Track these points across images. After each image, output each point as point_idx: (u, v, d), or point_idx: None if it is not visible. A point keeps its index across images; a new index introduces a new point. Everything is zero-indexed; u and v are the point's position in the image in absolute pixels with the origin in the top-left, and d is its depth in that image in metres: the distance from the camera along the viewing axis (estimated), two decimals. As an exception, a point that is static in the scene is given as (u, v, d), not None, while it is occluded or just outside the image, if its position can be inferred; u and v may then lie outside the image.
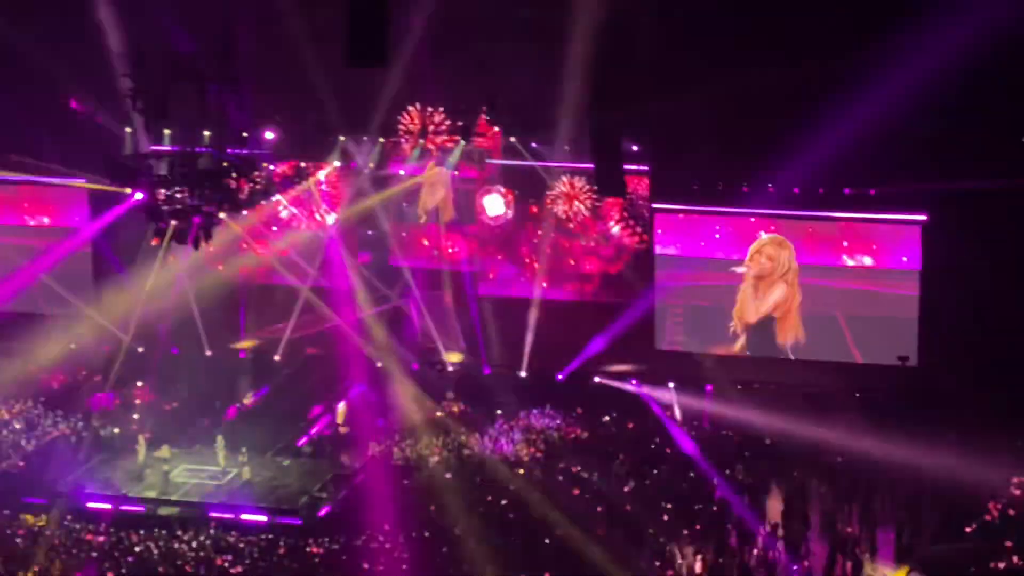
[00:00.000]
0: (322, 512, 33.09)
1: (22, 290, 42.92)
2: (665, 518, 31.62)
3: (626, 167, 39.40)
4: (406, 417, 38.17)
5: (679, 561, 30.25)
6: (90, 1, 37.81)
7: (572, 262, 41.56)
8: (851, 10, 33.08)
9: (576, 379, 39.88)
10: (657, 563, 29.99)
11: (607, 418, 38.10)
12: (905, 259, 37.67)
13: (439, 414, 38.77)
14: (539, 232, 41.55)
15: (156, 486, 34.66)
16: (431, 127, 40.69)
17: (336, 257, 42.52)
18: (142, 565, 29.65)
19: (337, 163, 41.92)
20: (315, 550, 30.55)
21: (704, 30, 34.43)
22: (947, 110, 33.75)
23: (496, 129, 40.63)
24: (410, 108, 40.55)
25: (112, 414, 38.76)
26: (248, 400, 40.62)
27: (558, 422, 38.05)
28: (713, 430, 37.13)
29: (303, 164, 42.03)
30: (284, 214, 42.34)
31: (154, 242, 32.37)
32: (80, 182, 42.07)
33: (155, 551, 30.27)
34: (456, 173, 41.62)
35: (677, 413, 38.23)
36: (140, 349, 41.86)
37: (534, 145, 40.72)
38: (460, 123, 40.56)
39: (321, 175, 42.13)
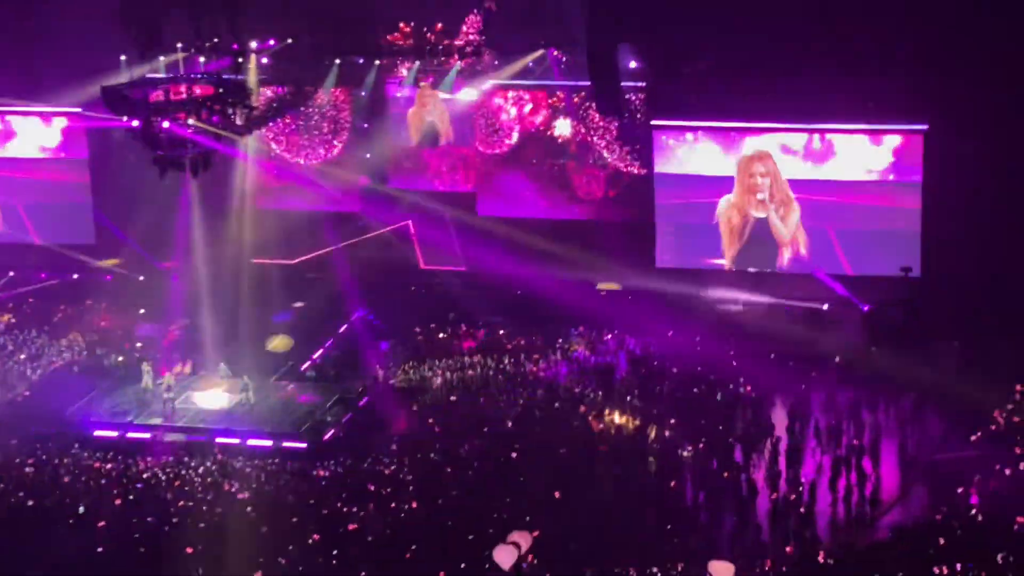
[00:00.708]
0: (327, 436, 33.20)
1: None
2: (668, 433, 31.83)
3: (624, 85, 39.37)
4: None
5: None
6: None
7: (571, 183, 41.54)
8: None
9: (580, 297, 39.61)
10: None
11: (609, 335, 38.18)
12: (905, 171, 37.59)
13: (441, 336, 38.86)
14: (536, 155, 41.57)
15: (159, 414, 34.75)
16: (427, 47, 40.46)
17: (335, 183, 42.54)
18: (150, 492, 29.81)
19: (333, 87, 41.76)
20: (320, 473, 30.70)
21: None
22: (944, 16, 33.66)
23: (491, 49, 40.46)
24: (403, 27, 40.29)
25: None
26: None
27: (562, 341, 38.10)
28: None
29: (300, 88, 41.87)
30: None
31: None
32: (77, 110, 42.06)
33: (163, 478, 30.42)
34: (453, 95, 41.44)
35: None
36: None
37: (531, 65, 40.53)
38: (457, 42, 40.34)
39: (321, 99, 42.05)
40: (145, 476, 30.65)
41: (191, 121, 30.69)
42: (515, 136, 41.69)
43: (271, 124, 41.68)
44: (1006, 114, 34.90)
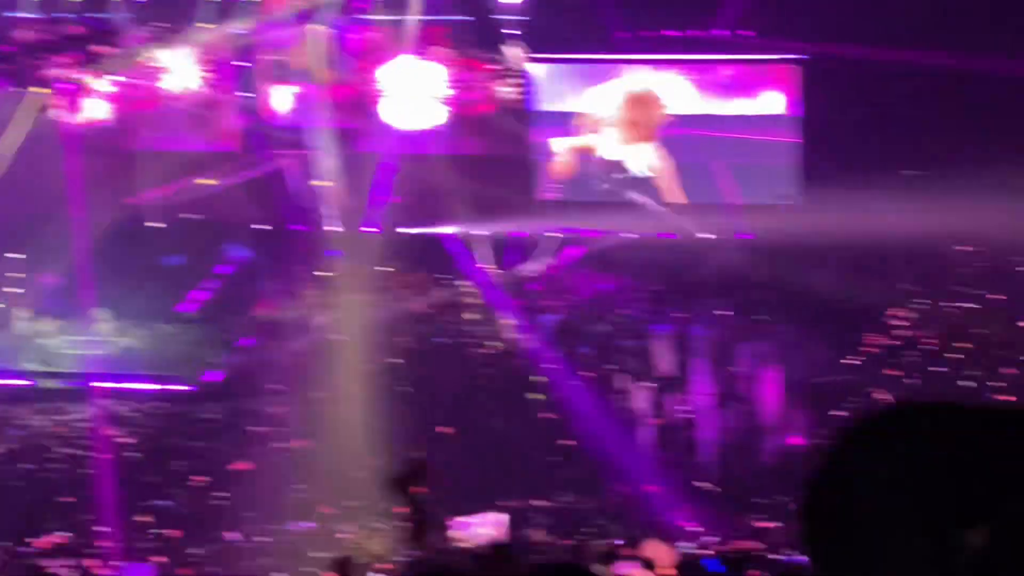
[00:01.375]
0: (212, 377, 32.90)
1: None
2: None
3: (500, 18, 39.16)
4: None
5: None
6: None
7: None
8: None
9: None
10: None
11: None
12: (785, 104, 37.82)
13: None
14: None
15: (36, 360, 34.07)
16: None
17: (215, 121, 41.81)
18: (30, 440, 29.37)
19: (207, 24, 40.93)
20: (207, 416, 30.47)
21: None
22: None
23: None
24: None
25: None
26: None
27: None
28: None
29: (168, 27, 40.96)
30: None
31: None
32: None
33: (40, 425, 29.97)
34: (333, 30, 40.86)
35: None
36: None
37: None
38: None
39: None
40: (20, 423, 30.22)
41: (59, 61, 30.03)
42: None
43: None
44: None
